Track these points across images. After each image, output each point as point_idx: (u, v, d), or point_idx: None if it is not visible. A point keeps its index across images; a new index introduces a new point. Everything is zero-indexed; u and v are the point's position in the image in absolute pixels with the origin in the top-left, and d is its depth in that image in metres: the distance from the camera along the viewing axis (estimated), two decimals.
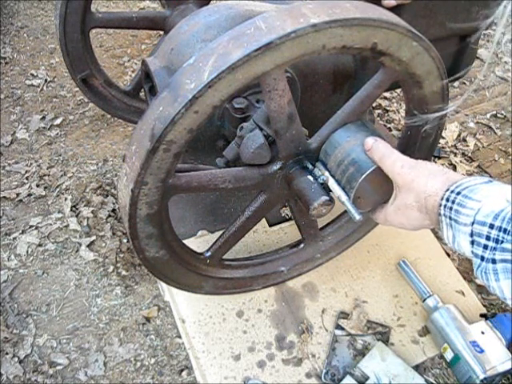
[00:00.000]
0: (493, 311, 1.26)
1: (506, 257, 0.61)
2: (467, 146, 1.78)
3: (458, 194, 0.68)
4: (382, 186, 0.85)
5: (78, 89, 1.62)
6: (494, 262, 0.62)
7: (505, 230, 0.61)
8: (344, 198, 0.88)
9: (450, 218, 0.68)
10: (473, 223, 0.65)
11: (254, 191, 0.99)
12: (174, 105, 0.73)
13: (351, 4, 0.77)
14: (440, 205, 0.70)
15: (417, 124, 0.96)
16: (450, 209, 0.68)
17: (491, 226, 0.62)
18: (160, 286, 1.27)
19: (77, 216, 1.45)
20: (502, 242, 0.61)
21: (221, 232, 1.05)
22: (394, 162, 0.79)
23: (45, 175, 1.56)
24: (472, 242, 0.65)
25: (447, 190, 0.70)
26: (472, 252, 0.66)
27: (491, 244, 0.62)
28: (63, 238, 1.40)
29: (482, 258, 0.64)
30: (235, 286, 1.16)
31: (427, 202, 0.73)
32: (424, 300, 1.22)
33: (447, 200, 0.69)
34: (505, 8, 0.65)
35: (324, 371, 1.11)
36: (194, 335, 1.16)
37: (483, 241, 0.63)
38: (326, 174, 0.90)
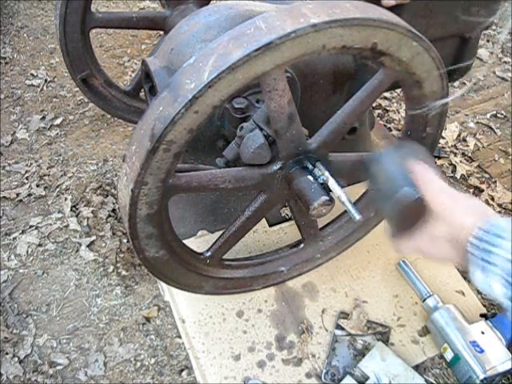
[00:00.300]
0: (493, 311, 1.26)
1: None
2: (467, 146, 1.78)
3: (488, 232, 0.64)
4: (419, 214, 0.79)
5: (77, 89, 1.62)
6: None
7: None
8: (344, 197, 0.88)
9: (484, 260, 0.64)
10: (505, 266, 0.60)
11: (254, 191, 0.99)
12: (174, 105, 0.73)
13: (351, 4, 0.77)
14: (469, 242, 0.66)
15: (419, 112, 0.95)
16: (481, 248, 0.64)
17: None
18: (160, 286, 1.27)
19: (77, 216, 1.45)
20: None
21: (221, 232, 1.05)
22: (439, 190, 0.75)
23: (45, 175, 1.56)
24: (506, 281, 0.60)
25: (479, 227, 0.66)
26: (507, 295, 0.61)
27: None
28: (63, 238, 1.40)
29: None
30: (235, 286, 1.16)
31: (459, 236, 0.69)
32: (424, 300, 1.22)
33: (476, 238, 0.65)
34: (508, 11, 0.64)
35: (324, 371, 1.11)
36: (194, 335, 1.16)
37: None
38: (326, 173, 0.90)
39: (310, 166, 0.92)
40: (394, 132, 1.79)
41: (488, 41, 2.27)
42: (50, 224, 1.43)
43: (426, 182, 0.76)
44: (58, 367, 1.15)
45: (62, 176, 1.56)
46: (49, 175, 1.56)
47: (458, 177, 1.66)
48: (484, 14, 1.09)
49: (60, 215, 1.45)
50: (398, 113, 1.89)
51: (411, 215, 0.79)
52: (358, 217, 0.87)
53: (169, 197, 0.87)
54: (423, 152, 0.84)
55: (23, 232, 1.41)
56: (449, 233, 0.72)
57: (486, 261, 0.63)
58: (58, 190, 1.52)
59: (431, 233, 0.75)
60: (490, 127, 1.87)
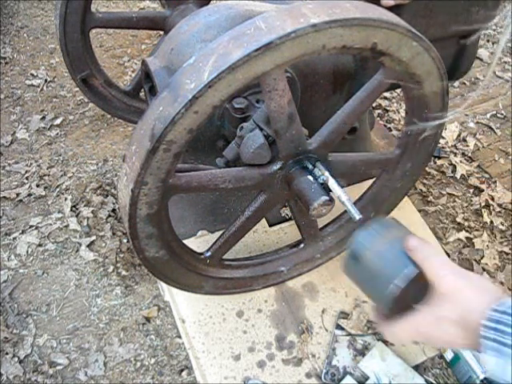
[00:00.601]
0: None
1: None
2: (467, 146, 1.78)
3: (503, 312, 0.59)
4: (420, 294, 0.71)
5: (77, 89, 1.62)
6: None
7: None
8: (344, 197, 0.88)
9: (495, 341, 0.58)
10: None
11: (254, 191, 0.99)
12: (173, 105, 0.73)
13: (351, 4, 0.77)
14: (482, 325, 0.60)
15: (416, 131, 0.93)
16: (495, 329, 0.59)
17: None
18: (160, 286, 1.27)
19: (77, 216, 1.45)
20: None
21: (221, 232, 1.05)
22: (442, 264, 0.69)
23: (45, 175, 1.56)
24: None
25: (493, 309, 0.60)
26: None
27: None
28: (63, 238, 1.40)
29: None
30: (235, 286, 1.16)
31: (471, 318, 0.62)
32: None
33: (490, 320, 0.59)
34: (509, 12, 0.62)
35: (324, 371, 1.11)
36: (194, 335, 1.16)
37: None
38: (326, 173, 0.90)
39: (310, 166, 0.92)
40: (394, 132, 1.79)
41: (488, 41, 2.27)
42: (50, 224, 1.43)
43: (431, 257, 0.70)
44: (58, 367, 1.15)
45: (61, 176, 1.56)
46: (49, 175, 1.56)
47: (458, 177, 1.66)
48: (484, 14, 1.09)
49: (60, 215, 1.45)
50: (398, 113, 1.89)
51: (410, 296, 0.71)
52: (358, 217, 0.87)
53: (169, 197, 0.87)
54: (403, 226, 0.78)
55: (23, 232, 1.41)
56: (457, 314, 0.64)
57: (502, 343, 0.58)
58: (58, 190, 1.52)
59: (435, 313, 0.67)
60: (490, 127, 1.87)
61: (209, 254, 1.04)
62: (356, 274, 0.79)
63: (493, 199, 1.59)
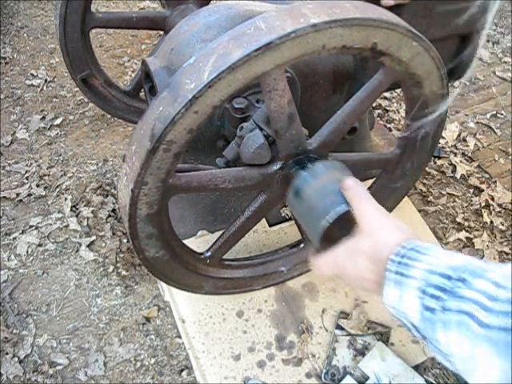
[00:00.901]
0: None
1: (461, 306, 0.52)
2: (467, 146, 1.78)
3: (411, 249, 0.62)
4: (349, 231, 0.75)
5: (78, 89, 1.62)
6: (447, 310, 0.54)
7: (463, 280, 0.54)
8: None
9: (398, 273, 0.61)
10: (425, 277, 0.58)
11: (254, 191, 0.99)
12: (173, 105, 0.73)
13: (351, 4, 0.77)
14: (390, 259, 0.63)
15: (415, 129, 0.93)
16: (399, 263, 0.61)
17: (448, 278, 0.56)
18: (160, 286, 1.27)
19: (77, 216, 1.45)
20: (458, 293, 0.54)
21: (221, 232, 1.05)
22: (369, 205, 0.73)
23: (45, 175, 1.56)
24: (423, 292, 0.57)
25: (402, 245, 0.64)
26: (422, 305, 0.57)
27: (445, 296, 0.55)
28: (63, 238, 1.40)
29: (433, 310, 0.55)
30: (235, 286, 1.16)
31: (382, 253, 0.65)
32: None
33: (397, 255, 0.62)
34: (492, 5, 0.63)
35: (324, 371, 1.11)
36: (194, 335, 1.16)
37: (438, 292, 0.55)
38: None
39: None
40: (394, 132, 1.79)
41: (488, 41, 2.27)
42: (50, 224, 1.43)
43: (363, 199, 0.74)
44: (58, 367, 1.15)
45: (61, 176, 1.56)
46: (49, 175, 1.56)
47: (458, 177, 1.66)
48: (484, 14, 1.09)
49: (60, 215, 1.45)
50: (398, 113, 1.89)
51: (340, 233, 0.75)
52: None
53: (169, 197, 0.87)
54: (348, 171, 0.84)
55: (23, 232, 1.41)
56: (371, 249, 0.67)
57: (403, 274, 0.60)
58: (58, 190, 1.52)
59: (352, 247, 0.71)
60: (490, 127, 1.87)
61: (209, 253, 1.04)
62: (296, 208, 0.86)
63: (493, 199, 1.59)
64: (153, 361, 1.18)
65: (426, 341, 0.60)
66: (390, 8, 0.94)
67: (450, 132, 1.81)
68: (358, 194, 0.75)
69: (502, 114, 1.92)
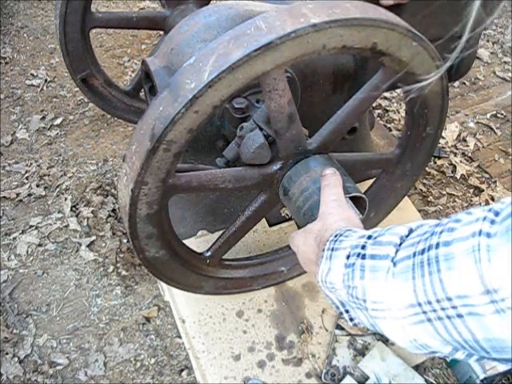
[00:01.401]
0: None
1: (377, 251, 0.56)
2: (467, 146, 1.78)
3: (349, 230, 0.66)
4: None
5: (77, 89, 1.62)
6: (363, 257, 0.58)
7: (381, 233, 0.58)
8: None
9: (329, 249, 0.64)
10: (351, 244, 0.61)
11: (254, 191, 0.99)
12: (174, 105, 0.73)
13: (351, 4, 0.77)
14: (328, 240, 0.67)
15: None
16: (334, 241, 0.65)
17: (369, 237, 0.60)
18: (160, 286, 1.27)
19: (77, 216, 1.45)
20: (375, 242, 0.58)
21: (221, 232, 1.05)
22: (332, 194, 0.78)
23: (45, 175, 1.56)
24: (347, 257, 0.60)
25: (341, 227, 0.68)
26: (345, 265, 0.60)
27: (363, 251, 0.59)
28: (63, 238, 1.40)
29: (353, 265, 0.59)
30: (235, 286, 1.16)
31: (323, 235, 0.70)
32: None
33: (335, 235, 0.66)
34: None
35: (324, 371, 1.11)
36: (194, 335, 1.16)
37: (359, 250, 0.59)
38: None
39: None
40: (394, 132, 1.79)
41: (488, 41, 2.27)
42: (50, 224, 1.43)
43: (329, 186, 0.80)
44: (58, 367, 1.15)
45: (61, 176, 1.56)
46: (49, 175, 1.56)
47: (458, 177, 1.66)
48: (484, 13, 1.09)
49: (60, 215, 1.45)
50: (398, 113, 1.89)
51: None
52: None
53: (169, 197, 0.87)
54: (336, 164, 0.89)
55: (23, 232, 1.41)
56: (318, 232, 0.73)
57: (333, 249, 0.64)
58: (58, 189, 1.52)
59: (308, 228, 0.77)
60: (490, 127, 1.87)
61: (209, 253, 1.04)
62: (288, 208, 0.92)
63: (493, 199, 1.59)
64: (153, 361, 1.18)
65: (347, 315, 0.63)
66: (390, 8, 0.94)
67: (450, 132, 1.81)
68: (328, 182, 0.80)
69: (501, 114, 1.92)
